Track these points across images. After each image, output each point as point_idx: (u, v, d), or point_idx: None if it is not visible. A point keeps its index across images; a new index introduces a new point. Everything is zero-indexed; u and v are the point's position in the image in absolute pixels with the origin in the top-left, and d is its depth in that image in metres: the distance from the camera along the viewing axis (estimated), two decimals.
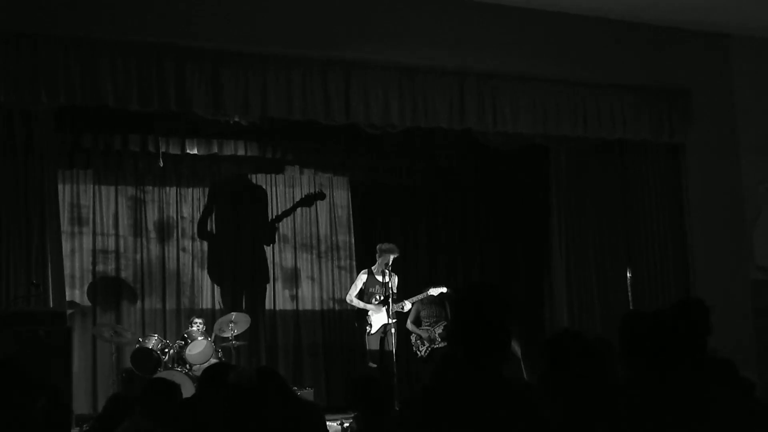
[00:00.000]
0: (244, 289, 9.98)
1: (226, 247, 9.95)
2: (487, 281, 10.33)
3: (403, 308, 8.88)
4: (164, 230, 9.74)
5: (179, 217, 9.83)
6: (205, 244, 9.92)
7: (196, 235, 9.89)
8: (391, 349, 8.52)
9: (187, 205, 9.89)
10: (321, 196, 10.44)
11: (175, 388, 4.48)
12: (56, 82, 6.69)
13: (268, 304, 10.06)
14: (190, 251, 9.85)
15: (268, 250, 10.17)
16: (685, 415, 3.02)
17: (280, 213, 10.28)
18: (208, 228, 9.96)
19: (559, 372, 3.09)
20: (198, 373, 7.64)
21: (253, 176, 10.24)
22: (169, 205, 9.79)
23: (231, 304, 9.68)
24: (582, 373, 3.06)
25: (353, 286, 8.98)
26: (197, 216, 9.92)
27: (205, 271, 9.88)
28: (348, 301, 8.96)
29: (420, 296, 9.00)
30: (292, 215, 10.34)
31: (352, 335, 9.34)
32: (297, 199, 10.40)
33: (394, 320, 8.57)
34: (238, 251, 9.98)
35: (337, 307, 10.31)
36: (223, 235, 9.98)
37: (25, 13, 6.61)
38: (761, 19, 8.70)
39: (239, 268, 9.97)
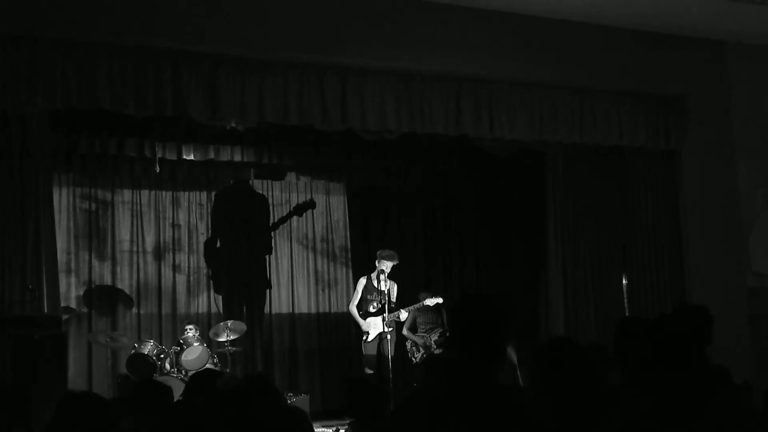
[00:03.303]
0: (244, 297, 9.97)
1: (230, 257, 9.94)
2: (486, 291, 10.35)
3: (399, 317, 8.87)
4: (160, 235, 9.73)
5: (175, 222, 9.83)
6: (200, 248, 9.91)
7: (201, 253, 9.92)
8: (387, 354, 8.51)
9: (183, 210, 9.89)
10: (311, 204, 10.43)
11: (168, 390, 4.47)
12: (53, 84, 6.66)
13: (265, 310, 10.05)
14: (186, 257, 9.85)
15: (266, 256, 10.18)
16: (678, 420, 3.02)
17: (274, 221, 10.28)
18: (215, 245, 9.97)
19: (552, 378, 3.09)
20: None
21: (251, 183, 10.24)
22: (165, 210, 9.79)
23: (232, 312, 9.67)
24: (574, 380, 3.05)
25: (354, 294, 8.99)
26: (193, 221, 9.92)
27: (202, 277, 9.88)
28: (350, 310, 8.97)
29: (416, 306, 9.02)
30: (288, 224, 10.34)
31: (348, 340, 9.34)
32: (294, 204, 10.41)
33: (390, 329, 8.56)
34: (241, 260, 9.97)
35: (333, 312, 10.31)
36: (226, 244, 9.97)
37: (22, 16, 6.59)
38: (757, 26, 8.71)
39: (241, 277, 9.97)
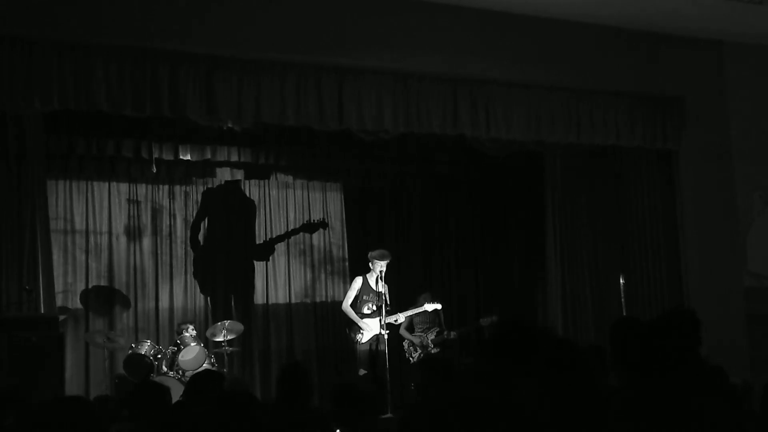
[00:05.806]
0: (233, 299, 9.94)
1: (216, 256, 9.92)
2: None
3: (396, 321, 8.87)
4: (157, 235, 9.71)
5: (172, 223, 9.80)
6: (198, 251, 9.90)
7: (188, 244, 9.87)
8: (383, 349, 8.49)
9: (181, 209, 9.87)
10: (323, 224, 10.36)
11: (165, 390, 4.46)
12: (50, 86, 6.63)
13: (261, 311, 10.04)
14: (183, 256, 9.83)
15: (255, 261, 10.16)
16: (675, 422, 3.02)
17: (277, 235, 10.21)
18: (199, 238, 9.93)
19: (550, 379, 3.08)
20: None
21: (246, 182, 10.22)
22: (163, 210, 9.78)
23: (221, 313, 9.64)
24: (572, 381, 3.05)
25: (348, 292, 8.96)
26: (190, 221, 9.90)
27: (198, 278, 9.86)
28: (343, 309, 8.92)
29: (415, 310, 9.04)
30: (285, 225, 10.32)
31: (345, 341, 9.32)
32: (290, 205, 10.37)
33: (386, 332, 8.54)
34: (228, 260, 9.94)
35: (330, 313, 10.29)
36: (213, 243, 9.94)
37: (19, 17, 6.57)
38: (755, 26, 8.72)
39: (229, 278, 9.93)
